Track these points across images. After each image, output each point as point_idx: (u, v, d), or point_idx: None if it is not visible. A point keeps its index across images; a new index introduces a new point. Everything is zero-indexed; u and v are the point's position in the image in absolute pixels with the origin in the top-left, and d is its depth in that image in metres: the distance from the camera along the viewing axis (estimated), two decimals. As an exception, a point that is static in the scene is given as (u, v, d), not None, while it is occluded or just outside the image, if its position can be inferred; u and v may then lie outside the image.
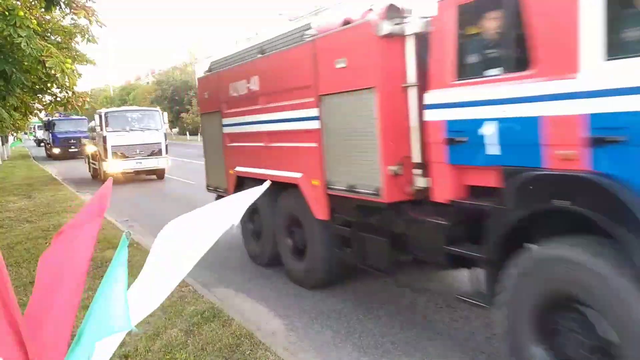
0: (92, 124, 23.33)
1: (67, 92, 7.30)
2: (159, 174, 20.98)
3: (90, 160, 22.73)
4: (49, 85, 6.82)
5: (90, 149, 23.41)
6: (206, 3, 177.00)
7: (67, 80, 5.81)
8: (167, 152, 20.44)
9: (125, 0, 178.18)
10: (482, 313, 5.84)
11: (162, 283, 2.25)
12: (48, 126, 37.67)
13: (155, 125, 20.49)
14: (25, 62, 5.97)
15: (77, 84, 6.40)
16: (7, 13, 5.53)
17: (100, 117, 19.94)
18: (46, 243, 9.54)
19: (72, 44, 7.90)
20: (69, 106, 7.58)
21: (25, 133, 69.55)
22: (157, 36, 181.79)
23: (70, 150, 35.75)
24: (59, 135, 36.19)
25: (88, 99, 7.99)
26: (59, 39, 7.55)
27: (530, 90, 3.63)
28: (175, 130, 72.52)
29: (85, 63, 8.35)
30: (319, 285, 6.85)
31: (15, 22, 5.45)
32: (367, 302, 6.41)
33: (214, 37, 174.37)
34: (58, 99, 7.65)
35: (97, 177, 21.20)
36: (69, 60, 5.81)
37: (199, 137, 58.49)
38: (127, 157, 19.60)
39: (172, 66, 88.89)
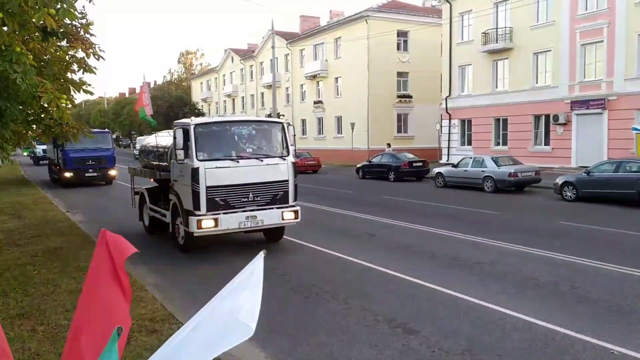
0: (152, 141, 14.46)
1: (62, 124, 7.26)
2: (276, 232, 12.26)
3: (149, 205, 13.67)
4: (42, 116, 6.78)
5: (140, 183, 15.42)
6: (198, 13, 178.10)
7: (61, 115, 5.76)
8: (296, 197, 11.58)
9: (116, 7, 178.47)
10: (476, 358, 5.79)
11: None
12: (57, 141, 27.20)
13: (276, 149, 11.63)
14: (21, 96, 5.94)
15: (71, 120, 6.35)
16: (3, 48, 5.49)
17: (187, 132, 10.77)
18: (34, 271, 9.41)
19: (68, 74, 7.86)
20: (62, 136, 7.54)
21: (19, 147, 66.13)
22: (150, 44, 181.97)
23: (87, 174, 27.67)
24: (73, 154, 26.91)
25: (85, 129, 7.93)
26: (54, 70, 7.51)
27: None
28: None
29: (81, 91, 8.32)
30: None
31: (12, 58, 5.42)
32: (358, 346, 6.33)
33: (208, 48, 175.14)
34: (52, 129, 7.61)
35: (173, 237, 12.02)
36: (64, 96, 5.77)
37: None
38: (233, 207, 10.81)
39: (167, 80, 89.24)
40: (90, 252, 10.94)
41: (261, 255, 2.75)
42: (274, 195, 11.12)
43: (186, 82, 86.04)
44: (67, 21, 6.15)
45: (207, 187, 10.49)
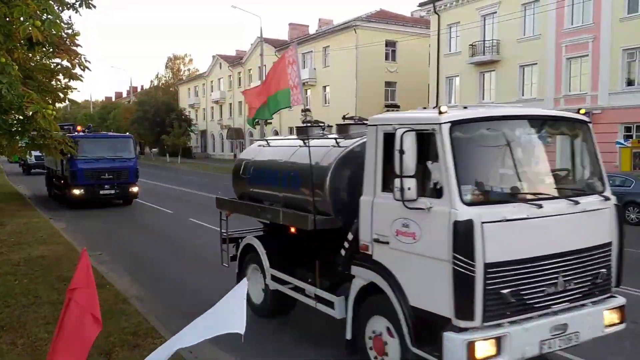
0: (274, 155, 8.37)
1: (45, 136, 7.18)
2: None
3: (270, 271, 7.72)
4: (27, 127, 6.71)
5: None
6: (187, 19, 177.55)
7: (48, 125, 5.68)
8: (620, 279, 5.75)
9: (104, 9, 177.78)
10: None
11: None
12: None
13: (582, 177, 6.10)
14: (4, 106, 5.86)
15: (58, 130, 6.29)
16: (-13, 59, 5.42)
17: (431, 140, 5.05)
18: (16, 281, 9.27)
19: (54, 82, 7.79)
20: (46, 149, 7.50)
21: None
22: (137, 48, 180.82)
23: (102, 192, 21.34)
24: (84, 166, 20.57)
25: (69, 143, 7.89)
26: (39, 78, 7.42)
27: None
28: (155, 150, 72.19)
29: (67, 100, 8.25)
30: None
31: (-4, 69, 5.35)
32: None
33: (196, 54, 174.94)
34: (35, 141, 7.52)
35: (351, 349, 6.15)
36: (51, 107, 5.70)
37: (178, 159, 58.29)
38: (531, 307, 5.01)
39: (154, 85, 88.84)
40: (72, 261, 10.83)
41: (245, 282, 2.78)
42: (593, 276, 5.45)
43: (173, 88, 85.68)
44: (54, 32, 6.07)
45: (488, 266, 4.77)
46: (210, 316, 2.71)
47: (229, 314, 2.66)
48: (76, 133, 22.20)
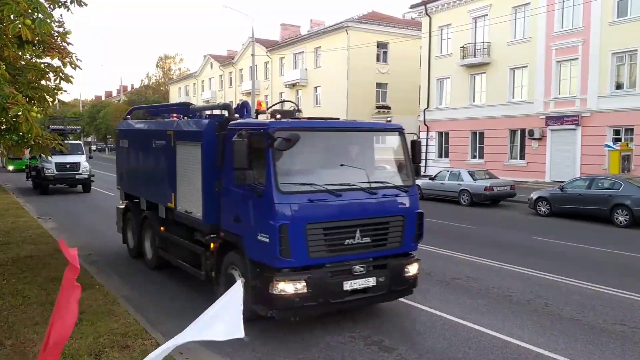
0: None
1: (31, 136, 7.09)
2: None
3: None
4: (16, 125, 6.61)
5: None
6: (178, 18, 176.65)
7: (30, 128, 5.59)
8: None
9: (95, 8, 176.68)
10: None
11: None
12: (219, 151, 7.67)
13: None
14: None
15: (41, 133, 6.22)
16: (-25, 58, 5.36)
17: None
18: (4, 281, 9.18)
19: (43, 81, 7.71)
20: (36, 147, 7.43)
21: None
22: (128, 47, 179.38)
23: (351, 286, 6.89)
24: (314, 210, 6.68)
25: (60, 140, 7.82)
26: (28, 77, 7.34)
27: None
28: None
29: (56, 100, 8.17)
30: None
31: (-17, 67, 5.29)
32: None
33: (187, 53, 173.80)
34: (25, 139, 7.43)
35: None
36: (36, 109, 5.63)
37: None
38: None
39: (144, 85, 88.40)
40: (60, 261, 10.74)
41: (239, 284, 2.76)
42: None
43: (164, 87, 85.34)
44: (44, 31, 6.03)
45: None
46: (209, 320, 2.69)
47: (227, 320, 2.64)
48: (270, 119, 7.46)
